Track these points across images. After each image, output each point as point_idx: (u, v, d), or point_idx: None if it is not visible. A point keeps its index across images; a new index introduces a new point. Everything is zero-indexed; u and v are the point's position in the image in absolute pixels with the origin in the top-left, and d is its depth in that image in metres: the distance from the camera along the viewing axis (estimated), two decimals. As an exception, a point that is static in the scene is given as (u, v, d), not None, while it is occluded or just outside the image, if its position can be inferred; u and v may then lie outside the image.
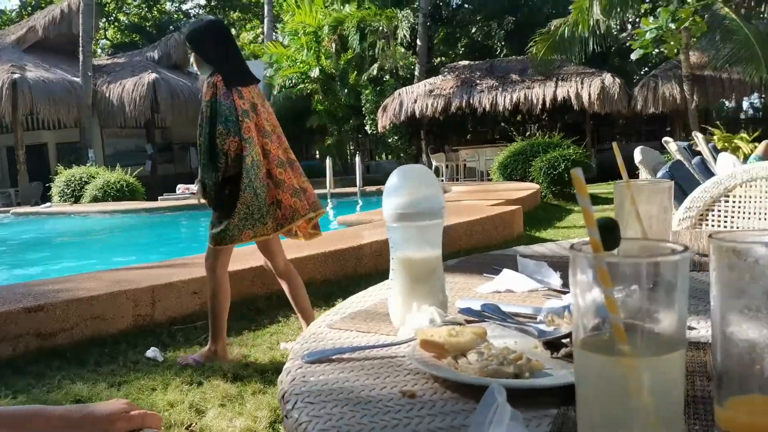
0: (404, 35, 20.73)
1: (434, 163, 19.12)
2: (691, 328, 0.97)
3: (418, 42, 21.74)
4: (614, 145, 1.12)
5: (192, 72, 21.64)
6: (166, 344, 4.03)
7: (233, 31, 34.41)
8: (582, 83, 17.60)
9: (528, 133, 18.84)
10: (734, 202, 2.33)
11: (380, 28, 20.84)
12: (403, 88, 20.15)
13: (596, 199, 11.04)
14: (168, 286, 4.44)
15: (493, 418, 0.62)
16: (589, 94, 17.27)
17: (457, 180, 18.62)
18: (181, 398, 3.13)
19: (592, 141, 19.10)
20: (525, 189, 10.76)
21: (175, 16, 37.42)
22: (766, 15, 15.58)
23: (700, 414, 0.69)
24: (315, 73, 21.60)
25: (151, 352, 3.83)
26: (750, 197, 2.32)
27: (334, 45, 21.73)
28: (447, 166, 19.30)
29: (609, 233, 0.61)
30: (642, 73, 20.21)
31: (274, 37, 25.45)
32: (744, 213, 2.32)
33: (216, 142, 3.38)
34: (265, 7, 25.04)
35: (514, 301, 1.18)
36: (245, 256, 5.23)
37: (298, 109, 22.41)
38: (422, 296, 1.04)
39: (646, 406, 0.57)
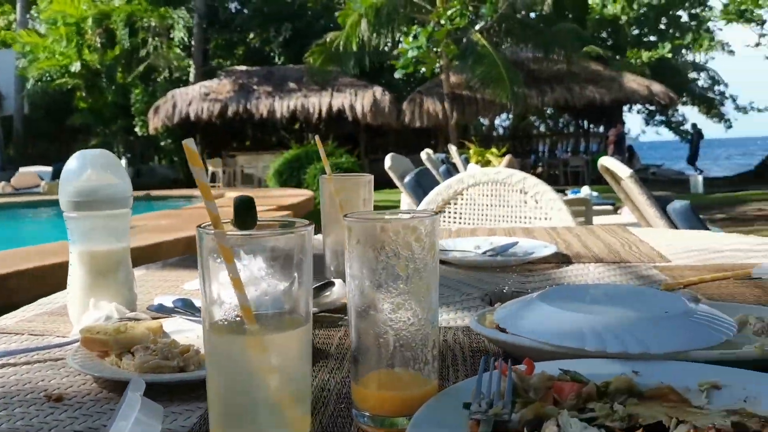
0: (182, 37, 19.93)
1: (210, 169, 18.56)
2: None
3: (194, 43, 21.02)
4: (316, 138, 1.14)
5: None
6: None
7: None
8: (356, 95, 18.28)
9: (305, 142, 19.12)
10: (466, 201, 2.60)
11: (152, 25, 19.78)
12: (177, 90, 19.30)
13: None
14: None
15: (120, 413, 0.58)
16: (362, 106, 17.99)
17: (234, 186, 18.26)
18: None
19: (366, 151, 19.91)
20: (298, 195, 10.87)
21: None
22: (509, 43, 17.50)
23: (349, 395, 0.70)
24: (76, 67, 19.83)
25: None
26: (478, 197, 2.60)
27: (99, 39, 20.15)
28: (224, 172, 18.83)
29: (244, 212, 0.59)
30: (410, 89, 21.51)
31: (29, 25, 22.98)
32: (474, 208, 2.60)
33: None
34: (18, -9, 22.53)
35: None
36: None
37: (58, 105, 20.36)
38: (105, 293, 0.95)
39: (272, 385, 0.56)
